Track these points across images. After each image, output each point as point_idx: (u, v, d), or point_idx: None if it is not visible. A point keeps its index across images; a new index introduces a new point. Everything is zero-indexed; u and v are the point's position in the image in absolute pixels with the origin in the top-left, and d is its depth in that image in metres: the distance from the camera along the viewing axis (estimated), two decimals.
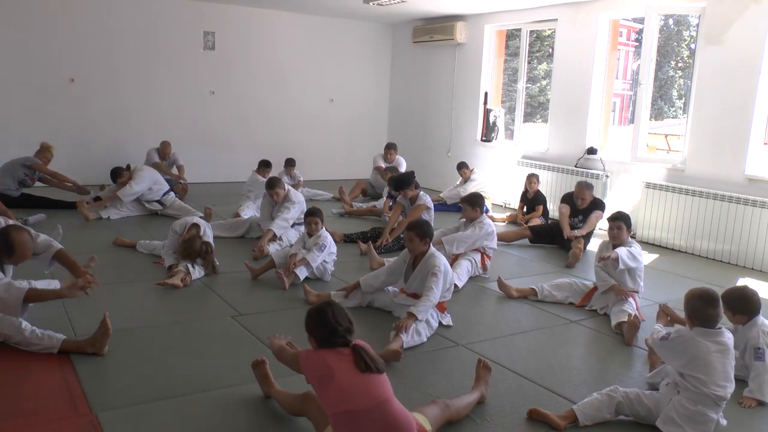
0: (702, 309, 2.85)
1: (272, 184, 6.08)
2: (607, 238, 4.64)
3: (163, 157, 8.45)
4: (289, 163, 8.66)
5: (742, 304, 3.37)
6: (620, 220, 4.54)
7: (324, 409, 2.48)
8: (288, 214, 5.97)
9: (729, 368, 2.80)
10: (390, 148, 9.09)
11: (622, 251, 4.37)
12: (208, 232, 5.17)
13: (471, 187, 8.38)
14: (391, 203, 7.25)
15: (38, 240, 3.66)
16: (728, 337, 2.86)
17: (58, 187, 7.51)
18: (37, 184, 7.37)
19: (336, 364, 2.40)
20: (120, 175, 7.08)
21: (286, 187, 6.20)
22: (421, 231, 4.04)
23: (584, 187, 6.42)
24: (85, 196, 7.28)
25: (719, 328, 2.85)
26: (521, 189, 7.92)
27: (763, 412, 3.25)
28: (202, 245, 4.92)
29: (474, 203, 5.45)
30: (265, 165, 7.76)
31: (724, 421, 2.85)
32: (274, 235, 5.87)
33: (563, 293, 4.77)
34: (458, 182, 8.61)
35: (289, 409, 2.85)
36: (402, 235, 6.05)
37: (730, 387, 2.79)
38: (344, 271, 5.26)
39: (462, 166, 8.57)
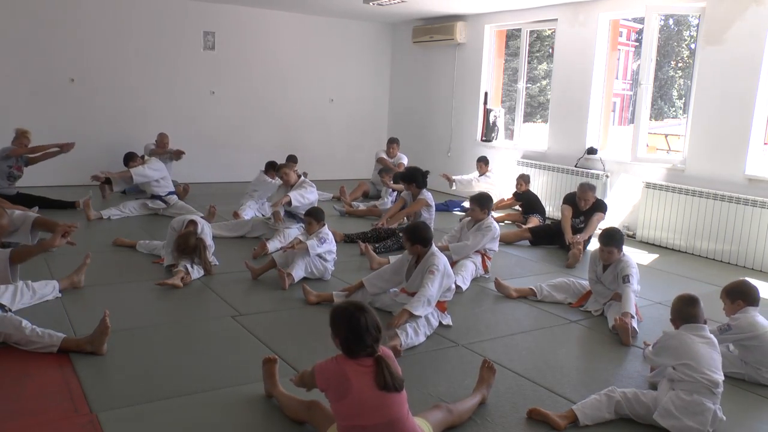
0: (683, 309, 3.07)
1: (278, 168, 6.23)
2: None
3: (161, 147, 8.45)
4: (291, 160, 8.58)
5: (741, 290, 3.59)
6: (612, 245, 4.37)
7: (334, 417, 2.45)
8: (306, 192, 6.04)
9: (716, 357, 2.93)
10: (392, 142, 9.15)
11: (632, 302, 4.18)
12: (206, 230, 5.16)
13: (485, 183, 8.43)
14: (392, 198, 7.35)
15: (14, 215, 3.62)
16: (712, 335, 3.02)
17: (46, 159, 7.27)
18: (35, 183, 7.31)
19: (354, 377, 2.34)
20: (133, 159, 7.12)
21: (302, 177, 6.27)
22: (413, 236, 4.03)
23: (587, 188, 6.35)
24: (71, 147, 7.16)
25: (704, 323, 3.04)
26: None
27: (763, 411, 3.25)
28: (196, 241, 4.92)
29: (483, 204, 5.39)
30: (272, 167, 7.68)
31: (722, 416, 2.85)
32: (290, 203, 5.92)
33: (562, 294, 4.76)
34: (476, 173, 8.69)
35: (290, 413, 2.82)
36: (400, 234, 6.11)
37: (720, 374, 2.88)
38: (344, 271, 5.26)
39: (481, 161, 8.65)
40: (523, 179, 7.77)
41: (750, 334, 3.42)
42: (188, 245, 4.89)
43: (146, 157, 7.26)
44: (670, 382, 2.93)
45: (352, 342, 2.37)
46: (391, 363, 2.40)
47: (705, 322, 3.05)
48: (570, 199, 6.50)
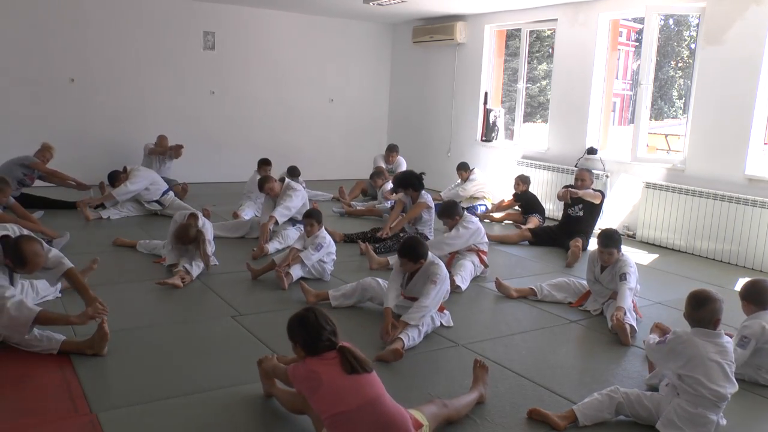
0: (689, 312, 2.91)
1: (261, 184, 6.11)
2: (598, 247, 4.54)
3: (160, 148, 8.45)
4: (293, 173, 8.41)
5: (754, 294, 3.48)
6: (612, 246, 4.36)
7: (318, 414, 2.48)
8: (290, 202, 5.96)
9: (728, 369, 2.79)
10: (391, 150, 9.12)
11: (627, 298, 4.16)
12: (207, 226, 5.16)
13: (470, 187, 8.41)
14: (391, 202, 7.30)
15: (50, 255, 3.65)
16: (727, 340, 2.87)
17: (59, 185, 7.47)
18: (37, 183, 7.32)
19: (322, 369, 2.41)
20: (117, 178, 7.11)
21: (286, 180, 6.23)
22: (415, 254, 3.90)
23: (584, 169, 6.64)
24: (87, 191, 7.30)
25: (719, 330, 2.86)
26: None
27: (763, 412, 3.25)
28: (196, 233, 4.94)
29: (450, 213, 5.37)
30: (264, 163, 7.63)
31: (723, 421, 2.85)
32: (276, 222, 5.87)
33: (562, 293, 4.76)
34: (458, 182, 8.62)
35: (289, 406, 2.85)
36: (402, 234, 6.10)
37: (730, 387, 2.79)
38: (344, 271, 5.25)
39: (461, 168, 8.55)
40: (521, 180, 7.75)
41: (764, 340, 3.37)
42: (188, 235, 4.91)
43: (128, 168, 7.18)
44: (673, 388, 2.87)
45: (311, 340, 2.47)
46: (354, 351, 2.48)
47: (717, 323, 2.85)
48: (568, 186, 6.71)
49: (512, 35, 13.04)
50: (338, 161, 10.83)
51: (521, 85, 9.13)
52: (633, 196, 7.32)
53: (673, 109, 27.52)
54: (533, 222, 7.33)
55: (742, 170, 6.32)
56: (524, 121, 9.77)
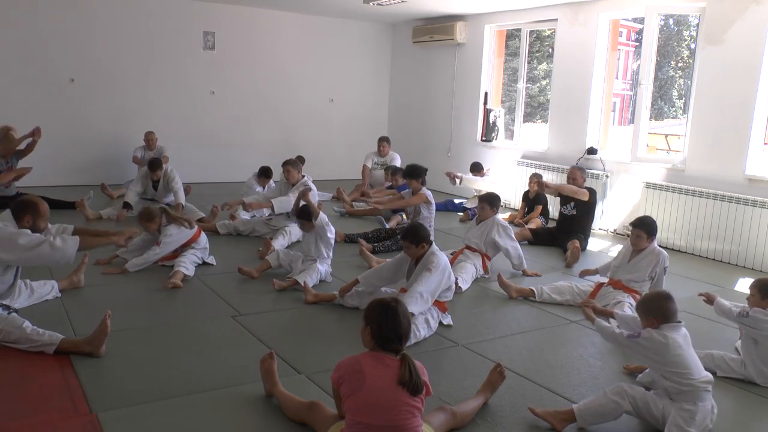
0: (665, 306, 2.92)
1: (287, 162, 6.32)
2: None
3: (149, 148, 8.42)
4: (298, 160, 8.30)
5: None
6: (640, 228, 4.46)
7: (345, 412, 2.43)
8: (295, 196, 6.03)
9: (696, 357, 2.88)
10: (383, 140, 9.17)
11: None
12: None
13: (488, 182, 8.39)
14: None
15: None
16: (686, 332, 2.94)
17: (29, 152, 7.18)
18: (36, 183, 7.27)
19: (370, 372, 2.34)
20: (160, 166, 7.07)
21: (306, 176, 6.31)
22: (414, 238, 4.01)
23: (575, 167, 6.64)
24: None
25: (679, 321, 2.93)
26: (521, 189, 7.99)
27: (763, 412, 3.25)
28: (159, 210, 5.06)
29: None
30: (264, 174, 7.34)
31: (715, 409, 2.86)
32: (272, 210, 6.08)
33: (564, 297, 4.74)
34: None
35: (290, 413, 2.82)
36: (399, 232, 6.13)
37: (705, 373, 2.84)
38: (344, 271, 5.25)
39: (474, 168, 8.54)
40: (537, 177, 7.68)
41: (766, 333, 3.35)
42: (150, 212, 4.98)
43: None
44: (665, 391, 2.85)
45: (385, 329, 2.39)
46: (416, 365, 2.40)
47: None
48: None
49: (512, 35, 13.04)
50: (338, 161, 10.82)
51: (521, 85, 9.13)
52: (633, 196, 7.32)
53: (673, 109, 27.52)
54: (535, 222, 7.33)
55: (742, 170, 6.32)
56: (524, 121, 9.77)
